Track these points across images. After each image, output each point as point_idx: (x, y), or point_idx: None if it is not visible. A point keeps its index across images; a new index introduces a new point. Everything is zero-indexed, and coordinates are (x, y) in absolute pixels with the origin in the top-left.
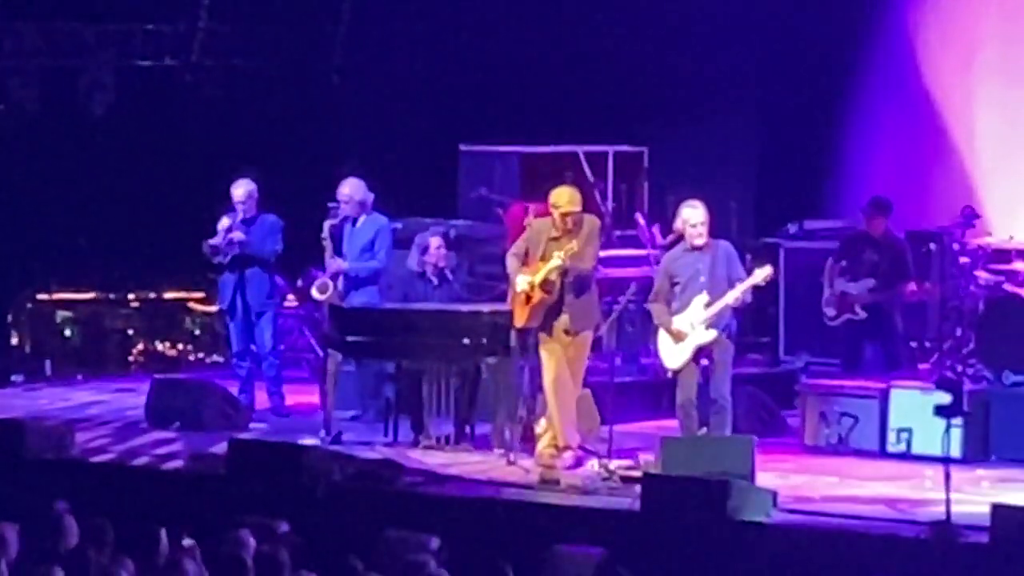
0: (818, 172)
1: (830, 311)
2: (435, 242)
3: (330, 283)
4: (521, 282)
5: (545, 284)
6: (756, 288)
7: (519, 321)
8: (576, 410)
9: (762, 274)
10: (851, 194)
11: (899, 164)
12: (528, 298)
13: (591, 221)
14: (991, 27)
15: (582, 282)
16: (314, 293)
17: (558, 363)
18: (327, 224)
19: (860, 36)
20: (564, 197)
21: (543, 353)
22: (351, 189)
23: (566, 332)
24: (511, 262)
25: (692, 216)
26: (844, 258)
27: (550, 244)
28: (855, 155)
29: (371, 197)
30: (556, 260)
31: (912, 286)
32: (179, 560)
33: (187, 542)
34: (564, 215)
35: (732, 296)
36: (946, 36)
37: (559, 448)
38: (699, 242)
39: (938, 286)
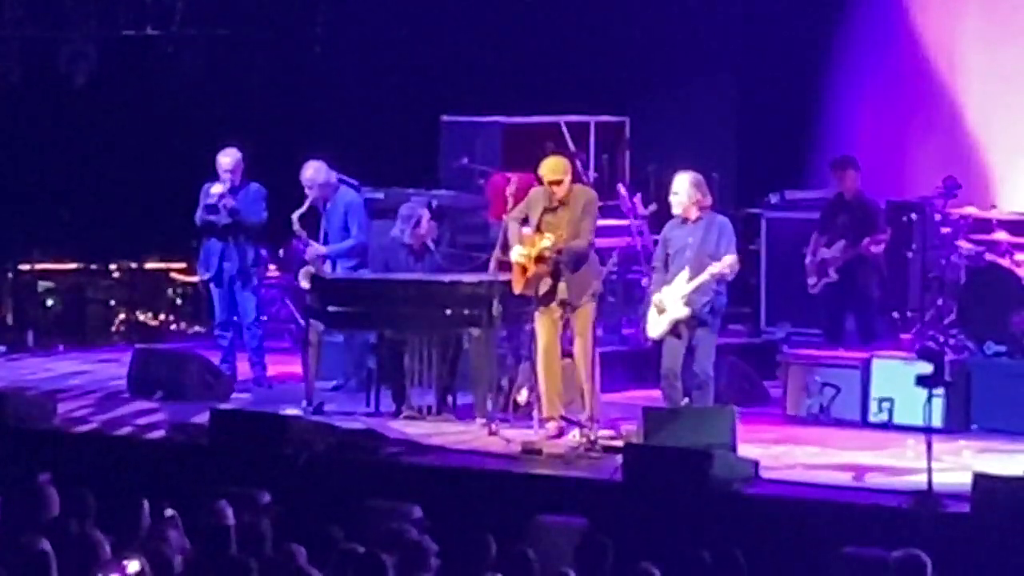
0: (800, 142)
1: (811, 279)
2: (426, 214)
3: (312, 269)
4: (516, 253)
5: (540, 259)
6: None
7: (516, 288)
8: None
9: (726, 262)
10: None
11: (881, 134)
12: (524, 269)
13: (586, 193)
14: None
15: (579, 257)
16: (302, 283)
17: (549, 333)
18: (295, 216)
19: (843, 4)
20: (548, 167)
21: (537, 323)
22: (312, 173)
23: (563, 304)
24: (511, 227)
25: (673, 184)
26: (823, 225)
27: (545, 215)
28: (837, 125)
29: (334, 176)
30: (547, 242)
31: (866, 240)
32: (161, 531)
33: (168, 512)
34: (550, 183)
35: (700, 280)
36: (929, 3)
37: (543, 418)
38: (676, 211)
39: (886, 240)
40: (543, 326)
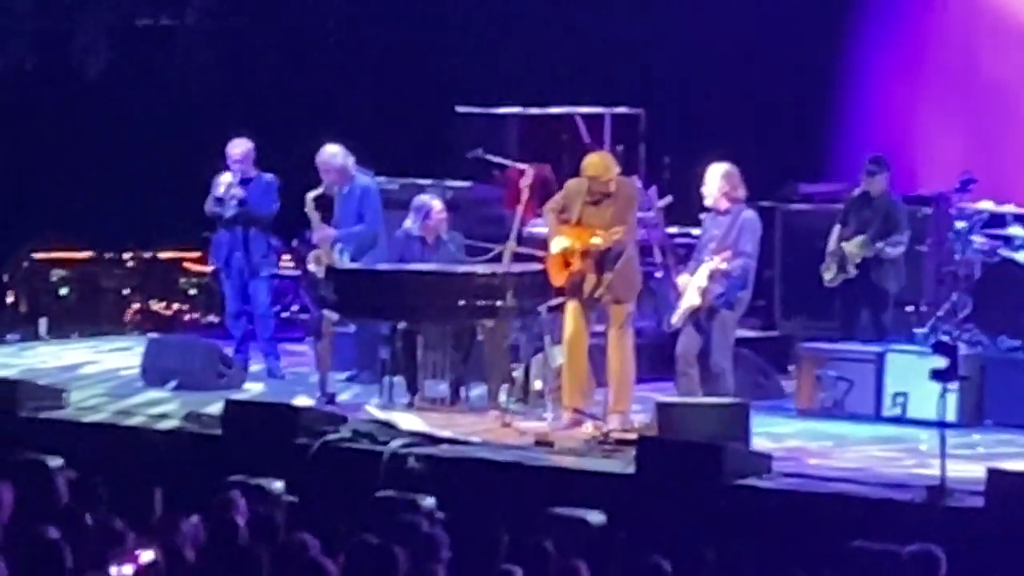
0: (815, 135)
1: (828, 272)
2: (437, 205)
3: (322, 253)
4: (556, 245)
5: (586, 254)
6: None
7: (556, 280)
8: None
9: (718, 260)
10: (849, 157)
11: (897, 128)
12: (567, 262)
13: (628, 186)
14: None
15: (621, 253)
16: (311, 267)
17: (578, 323)
18: (310, 196)
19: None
20: (591, 163)
21: (567, 312)
22: (329, 155)
23: (598, 299)
24: (548, 218)
25: (706, 175)
26: (845, 219)
27: (586, 208)
28: (854, 119)
29: (351, 161)
30: (598, 239)
31: (881, 243)
32: (173, 521)
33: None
34: (590, 179)
35: (703, 275)
36: None
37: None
38: (707, 203)
39: (904, 243)
40: (573, 316)
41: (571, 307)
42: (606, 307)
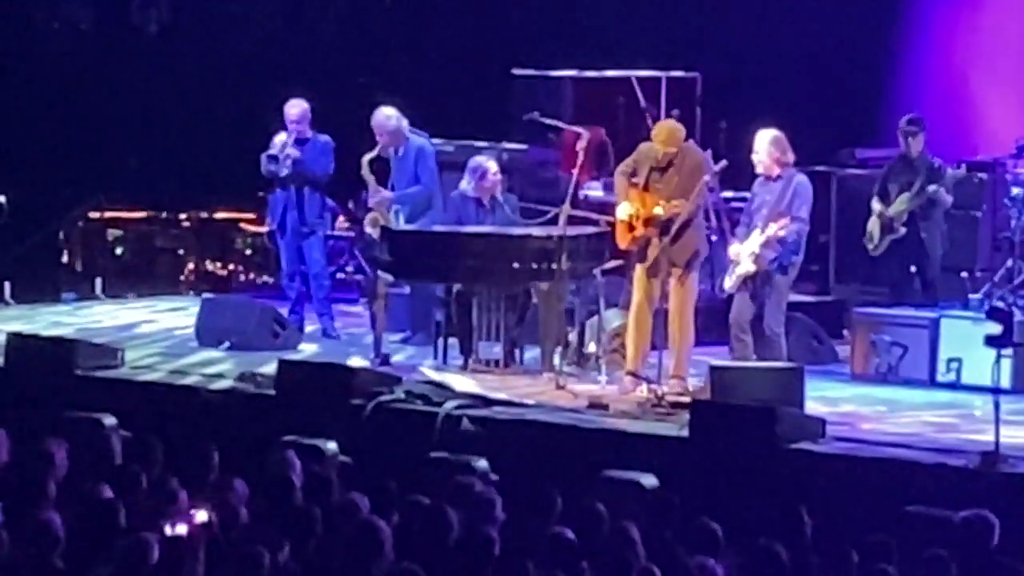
0: (872, 100)
1: (871, 243)
2: (492, 167)
3: (378, 215)
4: (622, 211)
5: (650, 221)
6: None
7: (622, 244)
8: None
9: (779, 224)
10: None
11: (953, 93)
12: (631, 227)
13: (696, 154)
14: None
15: (686, 220)
16: (367, 229)
17: (644, 290)
18: (365, 159)
19: None
20: (661, 133)
21: (635, 278)
22: (383, 118)
23: (667, 263)
24: (618, 181)
25: (755, 142)
26: (884, 189)
27: (652, 174)
28: (909, 84)
29: (405, 123)
30: (659, 210)
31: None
32: (228, 481)
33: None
34: (660, 145)
35: (757, 241)
36: None
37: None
38: (758, 170)
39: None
40: (640, 282)
41: (637, 273)
42: (667, 272)
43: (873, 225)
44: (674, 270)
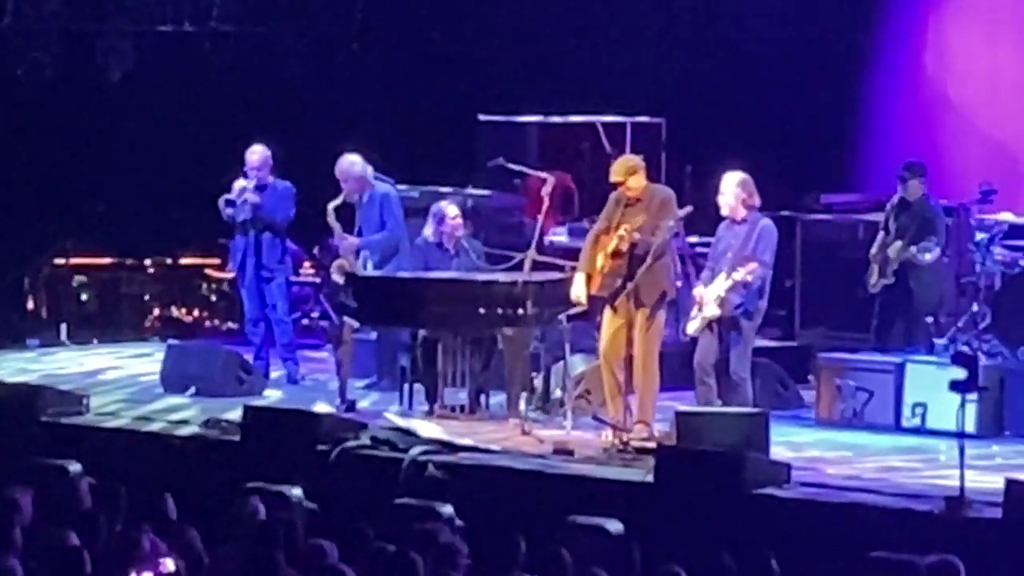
0: (836, 145)
1: (872, 278)
2: (452, 211)
3: (345, 262)
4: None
5: (615, 254)
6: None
7: (593, 289)
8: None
9: (747, 268)
10: (870, 168)
11: (918, 138)
12: (601, 271)
13: (663, 192)
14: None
15: (652, 254)
16: (335, 276)
17: (614, 335)
18: (331, 206)
19: (881, 8)
20: (613, 169)
21: (603, 321)
22: (347, 165)
23: (632, 302)
24: (589, 242)
25: (721, 184)
26: (886, 226)
27: (626, 211)
28: (875, 129)
29: (370, 170)
30: (622, 231)
31: (914, 248)
32: (184, 527)
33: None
34: (615, 184)
35: (722, 285)
36: (965, 9)
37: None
38: (724, 212)
39: (940, 246)
40: (608, 324)
41: (606, 315)
42: (631, 311)
43: (873, 263)
44: (640, 311)
